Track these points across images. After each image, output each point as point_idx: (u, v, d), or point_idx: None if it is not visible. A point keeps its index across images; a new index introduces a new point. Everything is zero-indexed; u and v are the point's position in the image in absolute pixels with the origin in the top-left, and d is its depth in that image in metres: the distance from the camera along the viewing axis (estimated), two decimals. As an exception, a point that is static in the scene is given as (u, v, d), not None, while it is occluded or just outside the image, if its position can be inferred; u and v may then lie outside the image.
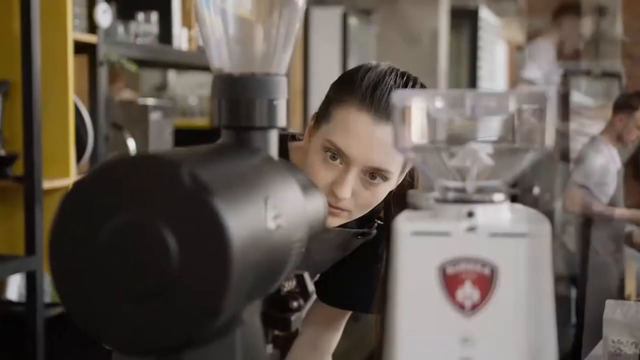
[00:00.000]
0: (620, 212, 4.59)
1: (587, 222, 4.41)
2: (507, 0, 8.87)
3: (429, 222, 0.67)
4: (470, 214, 0.67)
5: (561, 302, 3.98)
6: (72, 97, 2.57)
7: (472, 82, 7.43)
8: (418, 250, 0.67)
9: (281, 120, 0.78)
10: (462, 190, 0.69)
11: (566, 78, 4.60)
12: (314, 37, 5.27)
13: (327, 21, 5.28)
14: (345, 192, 1.25)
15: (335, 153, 1.25)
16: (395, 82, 1.26)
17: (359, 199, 1.27)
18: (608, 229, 4.43)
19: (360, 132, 1.24)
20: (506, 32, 8.44)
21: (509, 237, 0.65)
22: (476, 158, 0.68)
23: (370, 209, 1.32)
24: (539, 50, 4.46)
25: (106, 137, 2.76)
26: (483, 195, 0.68)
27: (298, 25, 0.80)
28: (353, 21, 5.49)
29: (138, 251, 0.59)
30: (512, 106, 0.67)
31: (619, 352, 1.91)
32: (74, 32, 2.64)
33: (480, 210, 0.67)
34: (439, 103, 0.68)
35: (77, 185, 0.62)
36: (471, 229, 0.66)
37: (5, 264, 2.41)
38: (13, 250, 2.49)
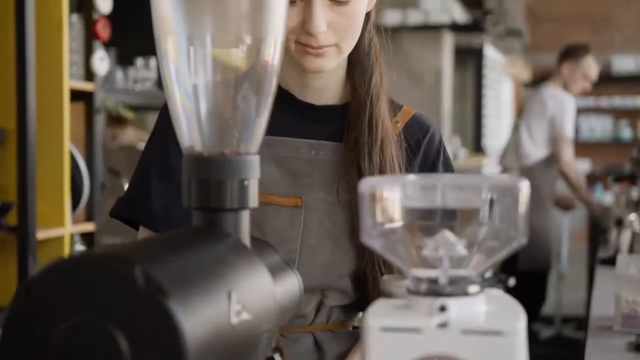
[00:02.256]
0: (590, 198, 4.74)
1: (534, 167, 4.47)
2: (512, 37, 8.89)
3: (399, 317, 0.64)
4: (443, 308, 0.64)
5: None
6: (67, 146, 2.56)
7: (477, 119, 7.42)
8: (388, 347, 0.64)
9: (253, 201, 0.75)
10: (435, 281, 0.66)
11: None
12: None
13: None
14: (318, 24, 1.15)
15: None
16: None
17: (336, 27, 1.17)
18: (551, 177, 4.50)
19: None
20: (511, 69, 8.44)
21: (482, 334, 0.62)
22: (449, 248, 0.65)
23: (357, 36, 1.22)
24: (568, 105, 4.49)
25: (102, 185, 2.74)
26: (456, 287, 0.65)
27: (271, 98, 0.78)
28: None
29: (89, 355, 0.57)
30: (484, 195, 0.64)
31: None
32: (71, 80, 2.63)
33: (453, 304, 0.64)
34: (409, 190, 0.66)
35: (28, 284, 0.59)
36: (443, 325, 0.63)
37: (-1, 315, 2.38)
38: (5, 301, 2.46)
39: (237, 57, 0.76)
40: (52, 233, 2.53)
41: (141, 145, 3.32)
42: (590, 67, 4.59)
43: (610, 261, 2.69)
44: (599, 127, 9.35)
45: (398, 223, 0.67)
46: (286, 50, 1.20)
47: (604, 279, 2.55)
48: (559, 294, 5.38)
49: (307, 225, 1.24)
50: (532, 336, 5.03)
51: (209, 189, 0.73)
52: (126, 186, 3.10)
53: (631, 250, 2.47)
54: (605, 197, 5.66)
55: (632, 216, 2.86)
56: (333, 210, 1.25)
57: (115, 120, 3.95)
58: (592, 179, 7.70)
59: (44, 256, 2.47)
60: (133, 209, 1.28)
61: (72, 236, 2.68)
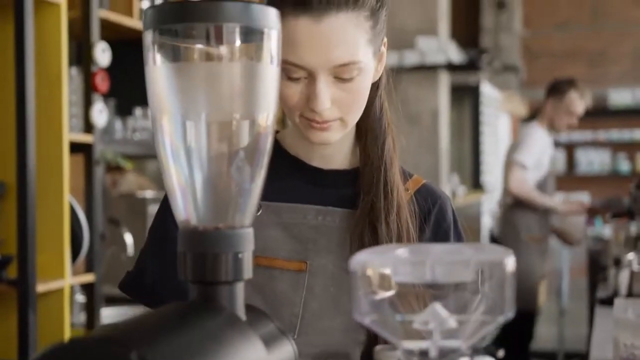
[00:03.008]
0: (553, 202, 4.61)
1: (515, 205, 4.44)
2: (508, 73, 8.96)
3: (391, 392, 0.66)
4: (434, 382, 0.65)
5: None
6: (67, 198, 2.57)
7: (475, 156, 7.45)
8: (381, 421, 0.65)
9: (247, 272, 0.77)
10: (426, 353, 0.68)
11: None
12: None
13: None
14: (322, 102, 1.15)
15: (293, 71, 1.15)
16: None
17: (341, 103, 1.18)
18: (536, 214, 4.44)
19: (305, 38, 1.13)
20: (508, 105, 8.49)
21: (472, 408, 0.64)
22: (440, 322, 0.67)
23: (362, 108, 1.22)
24: (533, 137, 4.48)
25: (102, 236, 2.75)
26: (447, 360, 0.67)
27: (265, 167, 0.79)
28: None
29: None
30: (472, 272, 0.66)
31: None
32: (71, 133, 2.65)
33: (443, 377, 0.65)
34: (399, 266, 0.67)
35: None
36: (434, 400, 0.64)
37: (-1, 369, 2.38)
38: (6, 355, 2.46)
39: (232, 132, 0.78)
40: (52, 285, 2.53)
41: (141, 193, 3.35)
42: (574, 102, 4.49)
43: (609, 301, 2.69)
44: (597, 161, 9.39)
45: (388, 297, 0.69)
46: (292, 122, 1.22)
47: (603, 320, 2.55)
48: (561, 330, 5.37)
49: (311, 289, 1.24)
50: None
51: (204, 262, 0.75)
52: (126, 236, 3.12)
53: (630, 291, 2.47)
54: (605, 230, 5.67)
55: (631, 255, 2.86)
56: (340, 276, 1.24)
57: (116, 167, 3.97)
58: (592, 212, 7.70)
59: (44, 309, 2.47)
60: (131, 285, 1.34)
61: (72, 287, 2.69)
